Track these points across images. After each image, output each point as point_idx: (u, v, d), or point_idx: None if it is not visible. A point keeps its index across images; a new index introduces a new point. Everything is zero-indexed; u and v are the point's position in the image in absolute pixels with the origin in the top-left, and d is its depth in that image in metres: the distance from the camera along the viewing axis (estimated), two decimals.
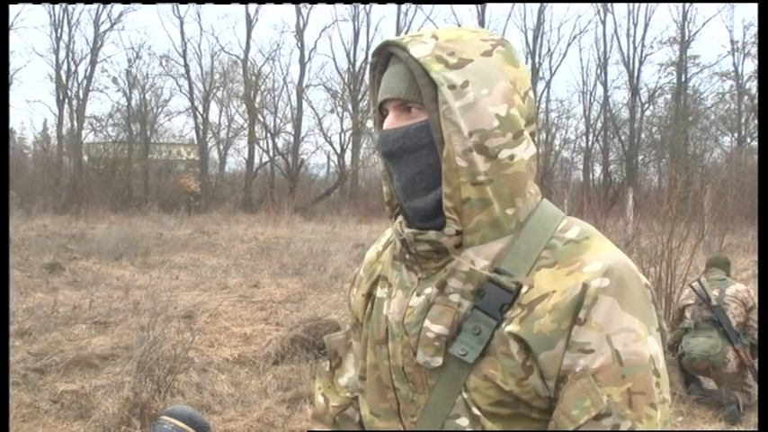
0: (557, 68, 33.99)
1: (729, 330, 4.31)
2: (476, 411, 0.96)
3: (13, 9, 22.94)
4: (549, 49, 27.74)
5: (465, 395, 0.96)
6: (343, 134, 28.34)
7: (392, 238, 1.14)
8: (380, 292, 1.10)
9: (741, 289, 4.54)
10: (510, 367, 0.93)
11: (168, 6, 31.57)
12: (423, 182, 0.99)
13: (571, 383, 0.91)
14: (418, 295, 1.02)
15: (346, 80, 27.76)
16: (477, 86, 0.95)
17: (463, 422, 0.97)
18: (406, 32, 1.08)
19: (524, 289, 0.95)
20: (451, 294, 0.98)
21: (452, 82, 0.94)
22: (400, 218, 1.07)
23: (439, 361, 0.97)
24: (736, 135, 26.27)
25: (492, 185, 0.95)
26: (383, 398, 1.08)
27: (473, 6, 26.87)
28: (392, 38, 1.01)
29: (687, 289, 4.77)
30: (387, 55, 1.04)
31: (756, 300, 4.42)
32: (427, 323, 0.99)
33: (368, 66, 1.07)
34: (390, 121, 1.01)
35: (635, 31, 26.92)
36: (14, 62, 25.27)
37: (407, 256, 1.04)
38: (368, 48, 27.44)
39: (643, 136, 27.68)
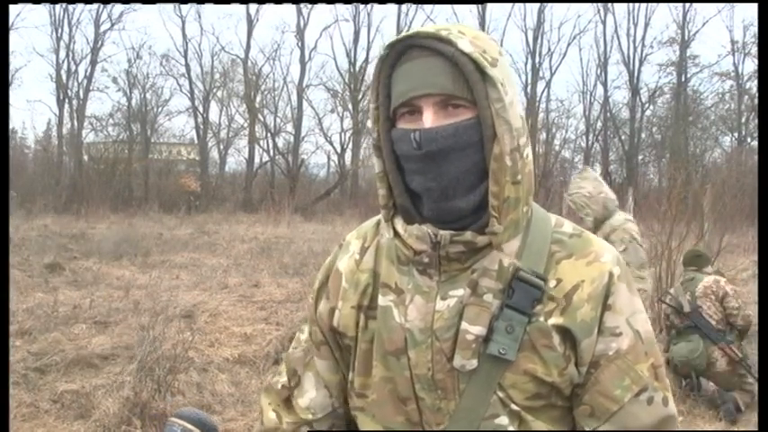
0: (557, 68, 34.02)
1: (709, 332, 4.30)
2: (514, 407, 0.97)
3: (14, 9, 22.95)
4: (550, 49, 27.73)
5: (500, 394, 0.97)
6: (343, 134, 28.32)
7: (368, 245, 1.11)
8: (383, 300, 1.04)
9: (708, 283, 4.43)
10: (553, 359, 0.96)
11: (169, 6, 31.55)
12: (466, 181, 0.96)
13: (605, 366, 0.97)
14: (443, 299, 0.99)
15: (347, 80, 27.75)
16: (508, 86, 0.96)
17: (503, 421, 0.97)
18: (406, 32, 1.01)
19: (552, 283, 0.98)
20: (485, 294, 0.97)
21: (501, 80, 0.94)
22: (399, 220, 1.02)
23: (474, 363, 0.97)
24: (736, 135, 26.26)
25: (521, 184, 0.97)
26: (399, 411, 1.04)
27: (473, 6, 26.88)
28: (425, 30, 0.95)
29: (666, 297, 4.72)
30: (400, 49, 0.97)
31: (728, 287, 4.41)
32: (465, 325, 0.97)
33: (377, 59, 1.00)
34: (432, 118, 0.94)
35: (635, 31, 26.93)
36: (15, 62, 25.29)
37: (425, 260, 0.99)
38: (368, 48, 27.45)
39: (643, 136, 27.67)
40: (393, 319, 1.02)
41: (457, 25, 0.98)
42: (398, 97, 0.97)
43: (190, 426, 1.05)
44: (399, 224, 1.02)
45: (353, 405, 1.10)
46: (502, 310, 0.96)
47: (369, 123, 1.06)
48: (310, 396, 1.13)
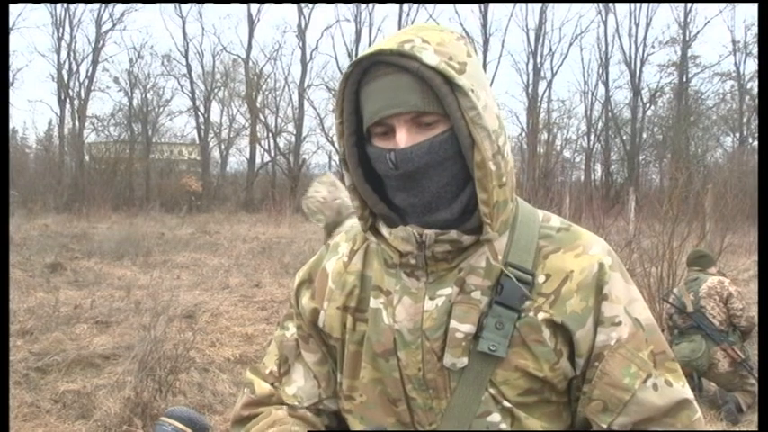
0: (558, 68, 34.11)
1: (712, 332, 4.30)
2: (506, 404, 0.97)
3: (15, 9, 22.98)
4: (551, 49, 27.78)
5: (492, 390, 0.97)
6: None
7: (357, 248, 1.10)
8: (375, 302, 1.04)
9: (713, 284, 4.43)
10: (544, 354, 0.96)
11: (170, 6, 31.61)
12: (448, 193, 0.96)
13: (610, 357, 0.96)
14: (431, 298, 0.99)
15: None
16: (479, 89, 0.94)
17: (495, 418, 0.97)
18: (370, 48, 0.96)
19: (541, 278, 0.98)
20: (473, 292, 0.97)
21: (471, 86, 0.93)
22: (383, 225, 1.02)
23: (464, 361, 0.96)
24: (737, 135, 26.25)
25: (506, 185, 0.96)
26: (389, 412, 1.03)
27: (475, 6, 26.88)
28: (386, 46, 0.93)
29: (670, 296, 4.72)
30: (365, 65, 0.95)
31: (732, 288, 4.41)
32: (454, 323, 0.97)
33: (342, 76, 0.97)
34: (405, 138, 0.93)
35: (636, 31, 27.04)
36: (16, 62, 25.45)
37: (412, 261, 0.99)
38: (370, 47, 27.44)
39: (644, 136, 27.68)
40: (382, 321, 1.02)
41: (421, 31, 0.95)
42: (370, 117, 0.95)
43: (180, 425, 1.05)
44: (384, 228, 1.01)
45: (342, 407, 1.10)
46: (491, 306, 0.96)
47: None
48: (298, 385, 1.12)
